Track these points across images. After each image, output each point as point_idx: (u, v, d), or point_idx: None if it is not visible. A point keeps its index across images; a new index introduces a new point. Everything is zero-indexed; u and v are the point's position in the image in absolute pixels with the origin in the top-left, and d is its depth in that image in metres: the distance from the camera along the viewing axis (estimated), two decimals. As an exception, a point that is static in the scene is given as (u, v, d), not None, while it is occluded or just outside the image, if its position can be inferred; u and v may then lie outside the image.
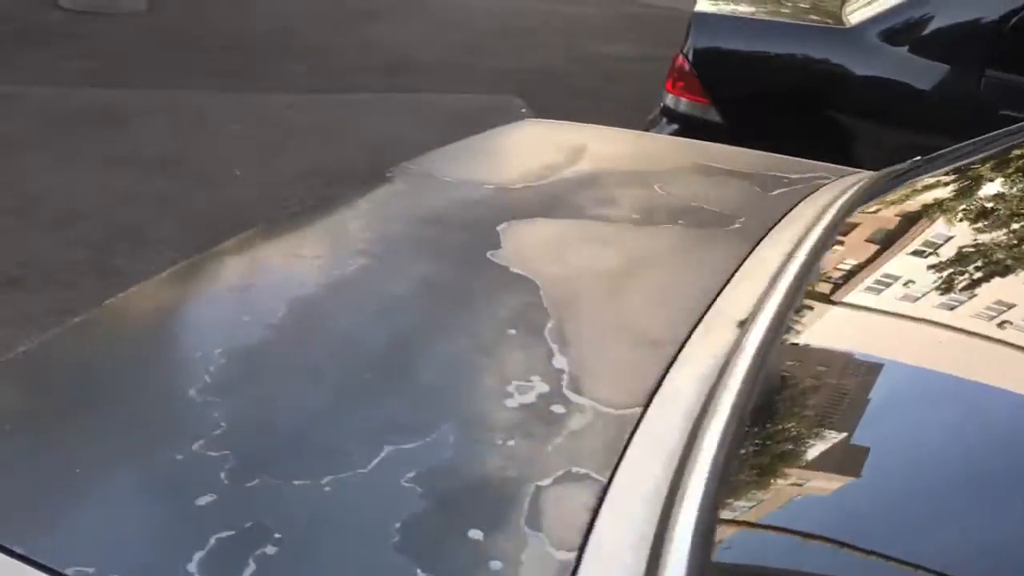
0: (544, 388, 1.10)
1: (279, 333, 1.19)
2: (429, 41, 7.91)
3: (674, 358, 1.17)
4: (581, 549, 0.87)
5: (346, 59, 7.22)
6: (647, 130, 3.81)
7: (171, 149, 5.02)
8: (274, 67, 6.83)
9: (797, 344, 1.18)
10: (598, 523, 0.90)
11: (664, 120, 3.73)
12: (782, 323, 1.19)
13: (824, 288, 1.32)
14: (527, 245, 1.46)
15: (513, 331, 1.22)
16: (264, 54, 7.07)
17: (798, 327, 1.20)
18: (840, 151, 3.18)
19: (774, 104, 3.51)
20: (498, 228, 1.51)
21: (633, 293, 1.35)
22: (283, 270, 1.37)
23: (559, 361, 1.16)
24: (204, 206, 4.37)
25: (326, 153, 5.24)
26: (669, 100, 3.75)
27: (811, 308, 1.26)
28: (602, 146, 2.00)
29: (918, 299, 1.25)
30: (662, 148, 2.04)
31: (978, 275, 1.29)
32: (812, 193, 1.77)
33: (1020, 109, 3.13)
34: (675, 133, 3.66)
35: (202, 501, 0.90)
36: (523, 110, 6.32)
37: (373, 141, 5.47)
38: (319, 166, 5.01)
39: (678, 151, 1.98)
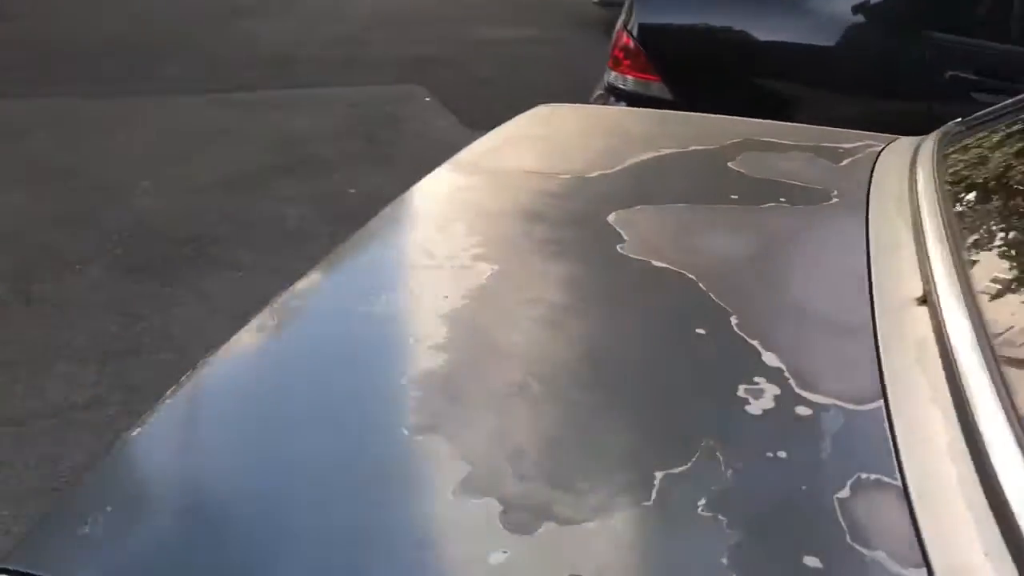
0: (775, 390, 1.02)
1: (457, 354, 1.06)
2: (310, 34, 7.65)
3: (876, 344, 1.11)
4: (927, 564, 0.79)
5: (226, 57, 6.89)
6: (593, 111, 3.75)
7: (66, 161, 4.65)
8: (152, 70, 6.45)
9: (1004, 315, 1.14)
10: (926, 532, 0.82)
11: (612, 99, 3.68)
12: (970, 296, 1.14)
13: (980, 255, 1.28)
14: (650, 236, 1.37)
15: (702, 331, 1.13)
16: (138, 57, 6.67)
17: (989, 297, 1.15)
18: (792, 119, 3.21)
19: (724, 77, 3.51)
20: (608, 220, 1.41)
21: (786, 277, 1.29)
22: (412, 284, 1.23)
23: (769, 358, 1.07)
24: (118, 222, 4.07)
25: (234, 157, 4.97)
26: (613, 78, 3.70)
27: (984, 275, 1.22)
28: (643, 127, 1.92)
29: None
30: (702, 126, 1.97)
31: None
32: (876, 160, 1.75)
33: (966, 70, 3.22)
34: (624, 111, 3.61)
35: (495, 559, 0.78)
36: (427, 99, 6.19)
37: (280, 140, 5.23)
38: (231, 171, 4.74)
39: (721, 128, 1.92)
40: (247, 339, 1.10)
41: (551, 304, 1.18)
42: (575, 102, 6.17)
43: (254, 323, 1.14)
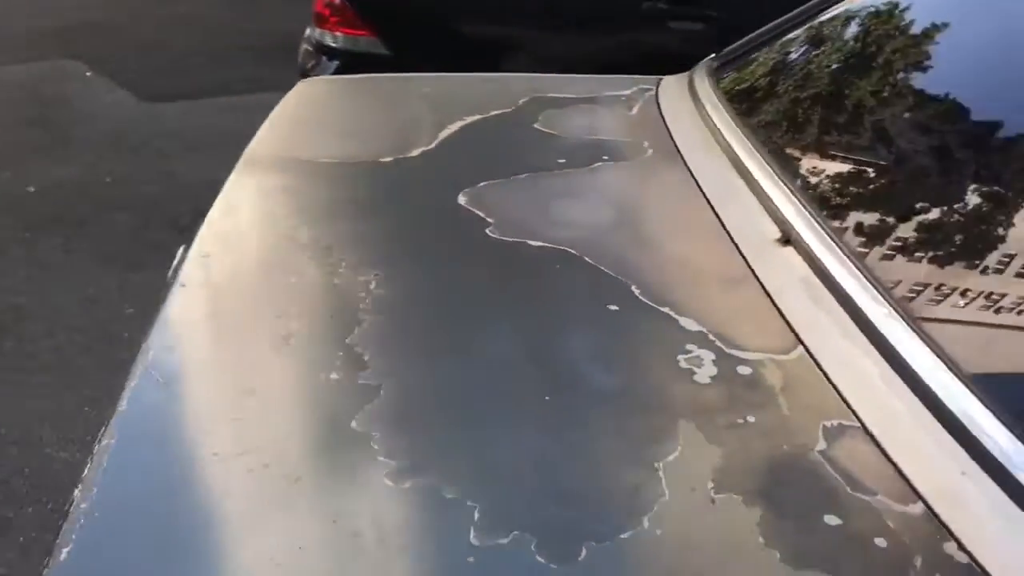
0: (710, 354, 1.05)
1: (396, 380, 0.98)
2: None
3: (765, 290, 1.17)
4: (919, 495, 0.86)
5: None
6: (306, 72, 3.62)
7: None
8: None
9: (864, 236, 1.23)
10: (904, 467, 0.89)
11: (323, 58, 3.55)
12: (827, 226, 1.23)
13: (816, 183, 1.38)
14: (510, 214, 1.34)
15: (614, 307, 1.13)
16: None
17: (842, 223, 1.25)
18: (510, 63, 3.28)
19: (437, 26, 3.50)
20: (461, 202, 1.37)
21: (653, 236, 1.32)
22: (300, 308, 1.11)
23: (687, 323, 1.10)
24: None
25: None
26: (320, 35, 3.57)
27: (829, 203, 1.32)
28: (427, 94, 1.87)
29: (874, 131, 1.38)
30: (484, 87, 1.95)
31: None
32: (659, 106, 1.83)
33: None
34: (339, 70, 3.52)
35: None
36: (88, 74, 5.61)
37: (-71, 138, 4.52)
38: None
39: (501, 87, 1.91)
40: (140, 417, 0.94)
41: (457, 306, 1.13)
42: (258, 60, 5.88)
43: (135, 392, 0.98)
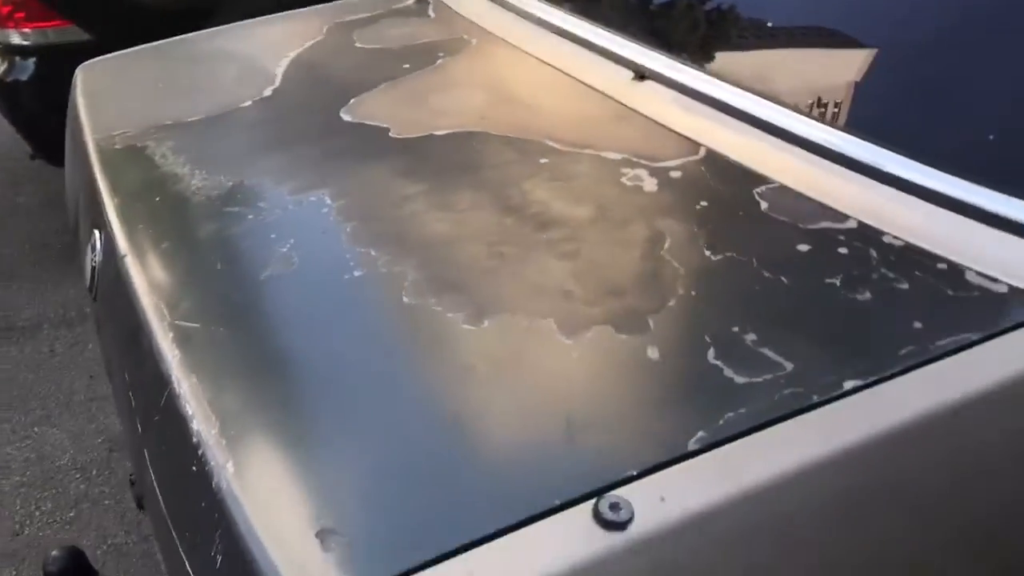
0: (643, 171, 1.24)
1: (402, 265, 1.10)
2: None
3: (648, 117, 1.39)
4: (849, 216, 1.12)
5: None
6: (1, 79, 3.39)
7: None
8: None
9: (694, 53, 1.47)
10: (827, 201, 1.15)
11: (17, 59, 3.33)
12: (665, 52, 1.46)
13: (629, 22, 1.60)
14: (399, 116, 1.44)
15: (544, 160, 1.29)
16: None
17: (672, 45, 1.49)
18: (217, 23, 3.25)
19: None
20: (347, 119, 1.46)
21: (531, 102, 1.49)
22: (282, 238, 1.18)
23: (610, 155, 1.29)
24: None
25: None
26: (3, 36, 3.33)
27: (652, 33, 1.54)
28: (223, 46, 1.89)
29: None
30: (272, 27, 1.99)
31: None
32: (448, 5, 1.98)
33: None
34: (38, 67, 3.34)
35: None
36: None
37: None
38: None
39: (287, 24, 1.97)
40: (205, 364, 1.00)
41: (415, 196, 1.23)
42: None
43: (184, 351, 1.02)
